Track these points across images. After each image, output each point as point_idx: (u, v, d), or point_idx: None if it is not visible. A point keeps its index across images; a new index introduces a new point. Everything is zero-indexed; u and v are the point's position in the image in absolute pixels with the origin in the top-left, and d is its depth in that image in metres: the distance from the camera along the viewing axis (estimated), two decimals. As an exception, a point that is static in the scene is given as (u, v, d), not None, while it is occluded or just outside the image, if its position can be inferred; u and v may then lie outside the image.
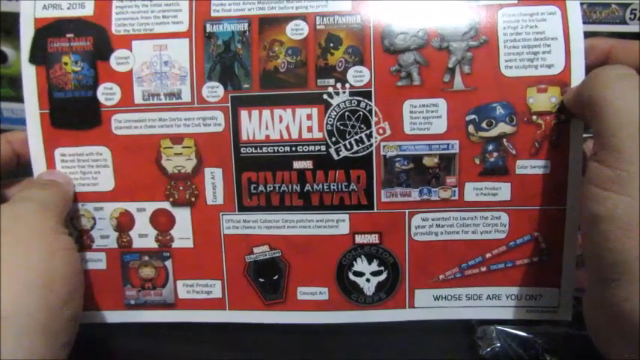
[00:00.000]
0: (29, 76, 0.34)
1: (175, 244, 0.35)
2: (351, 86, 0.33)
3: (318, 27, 0.33)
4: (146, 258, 0.36)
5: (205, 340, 0.37)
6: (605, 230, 0.24)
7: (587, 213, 0.26)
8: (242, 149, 0.34)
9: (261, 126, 0.34)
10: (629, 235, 0.23)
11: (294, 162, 0.34)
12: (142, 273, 0.36)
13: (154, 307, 0.36)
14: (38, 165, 0.35)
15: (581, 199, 0.27)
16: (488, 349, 0.33)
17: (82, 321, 0.34)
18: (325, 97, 0.33)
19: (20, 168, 0.35)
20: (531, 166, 0.32)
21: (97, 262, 0.36)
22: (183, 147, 0.34)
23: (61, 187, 0.33)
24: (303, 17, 0.33)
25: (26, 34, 0.34)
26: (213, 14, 0.33)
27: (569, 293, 0.34)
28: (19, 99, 0.45)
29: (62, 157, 0.35)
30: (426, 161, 0.33)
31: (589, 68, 0.30)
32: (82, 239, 0.35)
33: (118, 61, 0.34)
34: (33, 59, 0.34)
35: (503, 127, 0.32)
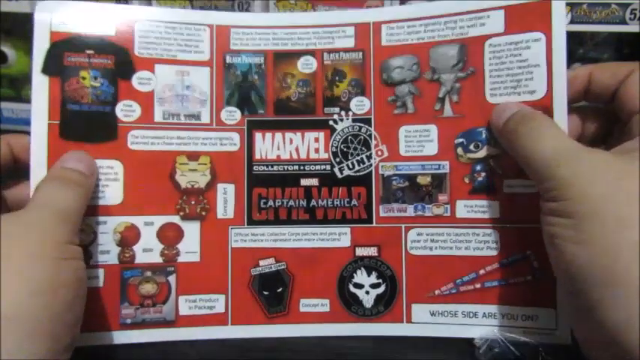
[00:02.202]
0: (41, 86, 0.35)
1: (181, 259, 0.36)
2: (354, 114, 0.37)
3: (325, 62, 0.38)
4: (148, 274, 0.36)
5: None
6: (559, 245, 0.28)
7: (545, 235, 0.30)
8: (254, 167, 0.37)
9: (273, 147, 0.37)
10: (578, 247, 0.27)
11: (301, 179, 0.37)
12: (142, 290, 0.36)
13: (152, 325, 0.36)
14: (37, 175, 0.34)
15: (541, 225, 0.31)
16: (488, 352, 0.34)
17: None
18: (331, 122, 0.37)
19: (20, 171, 0.35)
20: (518, 186, 0.35)
21: (94, 279, 0.35)
22: (199, 164, 0.36)
23: (86, 183, 0.33)
24: (312, 53, 0.38)
25: (40, 45, 0.35)
26: (232, 47, 0.37)
27: (566, 314, 0.34)
28: (19, 99, 0.45)
29: None
30: (420, 180, 0.37)
31: (572, 97, 0.34)
32: None
33: (140, 81, 0.36)
34: (46, 70, 0.35)
35: (489, 150, 0.36)
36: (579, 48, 0.35)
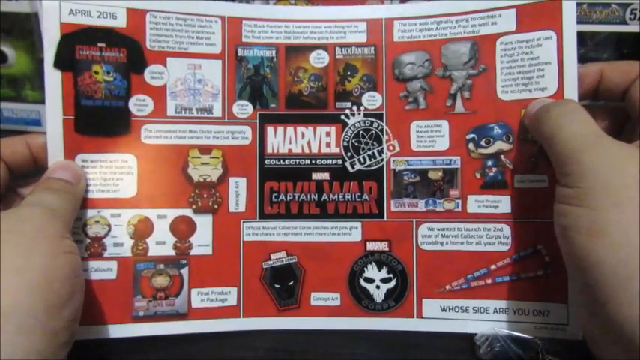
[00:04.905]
0: (54, 81, 0.35)
1: (194, 252, 0.36)
2: (366, 109, 0.37)
3: (337, 57, 0.38)
4: (161, 266, 0.36)
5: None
6: (571, 237, 0.28)
7: (557, 226, 0.30)
8: (266, 161, 0.37)
9: (284, 141, 0.37)
10: (592, 239, 0.27)
11: (313, 174, 0.37)
12: (155, 282, 0.36)
13: (165, 318, 0.36)
14: None
15: (554, 217, 0.30)
16: (488, 350, 0.34)
17: (83, 337, 0.34)
18: (342, 117, 0.37)
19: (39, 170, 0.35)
20: (529, 181, 0.35)
21: (107, 271, 0.35)
22: (211, 157, 0.37)
23: (72, 190, 0.33)
24: (324, 47, 0.38)
25: (51, 38, 0.34)
26: (244, 40, 0.37)
27: (577, 309, 0.34)
28: (19, 99, 0.45)
29: (84, 164, 0.35)
30: (431, 175, 0.37)
31: (582, 94, 0.35)
32: (93, 247, 0.35)
33: (152, 75, 0.36)
34: (58, 64, 0.35)
35: (500, 145, 0.36)
36: (579, 48, 0.34)
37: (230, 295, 0.36)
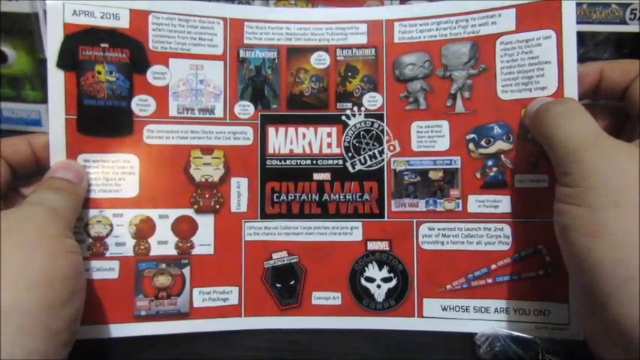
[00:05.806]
0: (57, 81, 0.35)
1: (195, 251, 0.36)
2: (366, 109, 0.38)
3: (338, 58, 0.38)
4: (163, 265, 0.36)
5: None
6: (571, 237, 0.28)
7: (557, 226, 0.30)
8: (268, 161, 0.37)
9: (286, 141, 0.37)
10: (591, 239, 0.27)
11: (314, 174, 0.37)
12: (157, 282, 0.36)
13: (167, 317, 0.36)
14: None
15: (554, 216, 0.30)
16: (488, 350, 0.34)
17: (84, 336, 0.34)
18: (343, 118, 0.38)
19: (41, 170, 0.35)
20: (529, 180, 0.36)
21: (109, 271, 0.36)
22: (213, 157, 0.37)
23: (75, 190, 0.33)
24: (325, 49, 0.38)
25: (54, 38, 0.35)
26: (245, 41, 0.38)
27: (578, 309, 0.34)
28: (19, 99, 0.45)
29: (86, 163, 0.35)
30: (432, 175, 0.37)
31: (583, 94, 0.35)
32: (95, 247, 0.35)
33: (154, 75, 0.36)
34: (61, 64, 0.35)
35: (500, 145, 0.36)
36: (579, 48, 0.34)
37: (231, 295, 0.36)
